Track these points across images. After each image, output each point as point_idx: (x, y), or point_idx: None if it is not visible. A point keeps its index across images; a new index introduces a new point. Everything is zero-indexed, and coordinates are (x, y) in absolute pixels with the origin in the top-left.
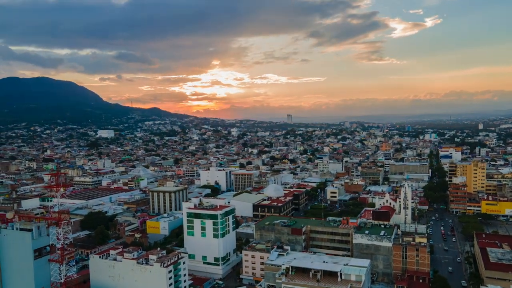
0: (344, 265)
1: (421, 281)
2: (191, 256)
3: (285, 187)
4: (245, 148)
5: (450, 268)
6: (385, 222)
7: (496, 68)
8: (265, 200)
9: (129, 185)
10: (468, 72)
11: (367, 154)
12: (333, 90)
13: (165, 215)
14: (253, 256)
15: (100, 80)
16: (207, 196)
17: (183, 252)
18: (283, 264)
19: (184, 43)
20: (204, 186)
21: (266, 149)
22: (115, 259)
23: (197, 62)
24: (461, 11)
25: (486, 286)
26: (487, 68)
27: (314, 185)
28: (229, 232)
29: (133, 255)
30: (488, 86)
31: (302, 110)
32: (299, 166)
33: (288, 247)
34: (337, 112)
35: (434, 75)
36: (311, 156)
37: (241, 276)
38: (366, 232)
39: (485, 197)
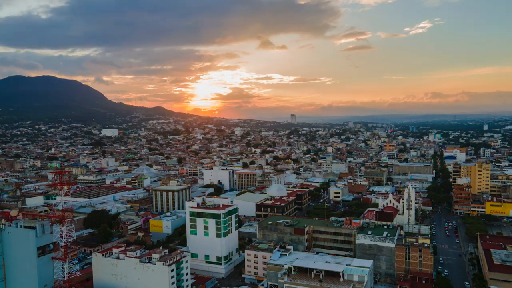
0: (347, 265)
1: (424, 282)
2: (194, 255)
3: (288, 187)
4: (249, 148)
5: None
6: (388, 223)
7: (502, 68)
8: (268, 199)
9: (132, 184)
10: (474, 73)
11: (370, 155)
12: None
13: (168, 214)
14: (255, 256)
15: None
16: (210, 195)
17: (185, 251)
18: (286, 264)
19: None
20: (207, 186)
21: (270, 148)
22: (118, 258)
23: (201, 62)
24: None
25: (490, 287)
26: (492, 68)
27: (317, 185)
28: (231, 232)
29: (136, 254)
30: (493, 87)
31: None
32: (302, 166)
33: (291, 247)
34: (341, 112)
35: (439, 76)
36: (314, 156)
37: (243, 276)
38: (369, 232)
39: (489, 198)
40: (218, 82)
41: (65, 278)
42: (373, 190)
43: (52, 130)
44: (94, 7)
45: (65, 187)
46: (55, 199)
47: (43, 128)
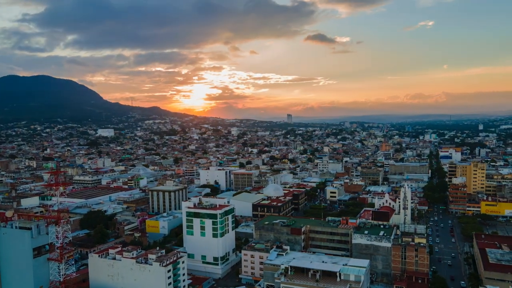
0: (343, 265)
1: (420, 281)
2: (190, 256)
3: (285, 187)
4: (245, 148)
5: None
6: (385, 223)
7: (496, 68)
8: (264, 199)
9: (128, 184)
10: (469, 73)
11: (367, 154)
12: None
13: (165, 214)
14: (252, 256)
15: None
16: (206, 195)
17: (182, 252)
18: (282, 264)
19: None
20: (204, 186)
21: (266, 148)
22: (114, 258)
23: (198, 61)
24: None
25: (485, 287)
26: (487, 68)
27: (313, 185)
28: (228, 232)
29: (132, 254)
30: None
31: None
32: (298, 166)
33: (288, 247)
34: (337, 112)
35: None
36: (311, 156)
37: (240, 276)
38: (366, 232)
39: (485, 198)
40: (216, 81)
41: (61, 279)
42: (369, 190)
43: (48, 130)
44: (73, 17)
45: (61, 188)
46: (50, 199)
47: (39, 128)
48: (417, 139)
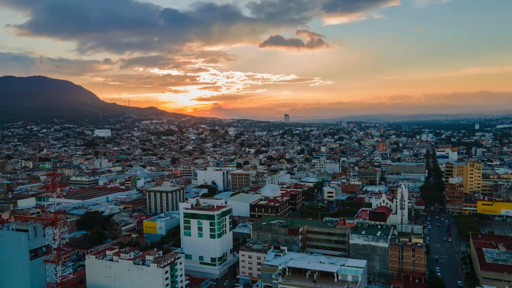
0: (341, 265)
1: (417, 281)
2: (188, 256)
3: (282, 187)
4: (242, 148)
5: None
6: (382, 223)
7: (493, 68)
8: (262, 200)
9: (125, 185)
10: (465, 73)
11: (364, 154)
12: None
13: (162, 215)
14: (249, 257)
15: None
16: (204, 196)
17: (179, 252)
18: (280, 265)
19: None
20: (201, 186)
21: (263, 148)
22: (111, 260)
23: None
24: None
25: (482, 286)
26: (483, 68)
27: (311, 185)
28: (226, 232)
29: (130, 256)
30: (484, 87)
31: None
32: (296, 166)
33: (285, 248)
34: (334, 112)
35: (430, 75)
36: (308, 156)
37: (238, 276)
38: (363, 232)
39: (481, 198)
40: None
41: (58, 281)
42: (366, 189)
43: (44, 130)
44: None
45: (58, 189)
46: (47, 200)
47: (35, 129)
48: (414, 138)
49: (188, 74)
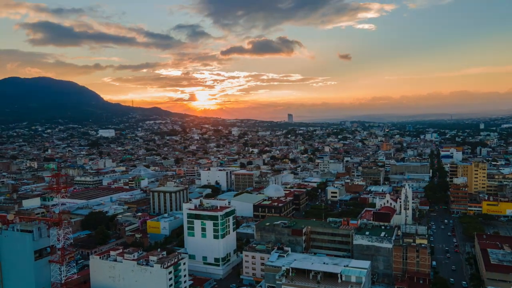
0: (345, 266)
1: (421, 282)
2: (192, 257)
3: (286, 187)
4: (246, 148)
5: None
6: (386, 223)
7: (498, 68)
8: (265, 200)
9: (129, 185)
10: (470, 72)
11: (367, 154)
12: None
13: (166, 215)
14: (253, 257)
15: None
16: (207, 196)
17: (183, 253)
18: (283, 266)
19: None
20: (205, 186)
21: (267, 148)
22: (115, 260)
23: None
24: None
25: (487, 287)
26: (489, 67)
27: (314, 185)
28: (229, 233)
29: (134, 256)
30: (490, 86)
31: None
32: (299, 166)
33: (289, 248)
34: (338, 112)
35: (435, 75)
36: (311, 156)
37: (241, 277)
38: (367, 233)
39: (486, 198)
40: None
41: (63, 281)
42: (370, 189)
43: (49, 131)
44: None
45: (62, 191)
46: (52, 200)
47: (40, 129)
48: (418, 138)
49: (192, 74)
